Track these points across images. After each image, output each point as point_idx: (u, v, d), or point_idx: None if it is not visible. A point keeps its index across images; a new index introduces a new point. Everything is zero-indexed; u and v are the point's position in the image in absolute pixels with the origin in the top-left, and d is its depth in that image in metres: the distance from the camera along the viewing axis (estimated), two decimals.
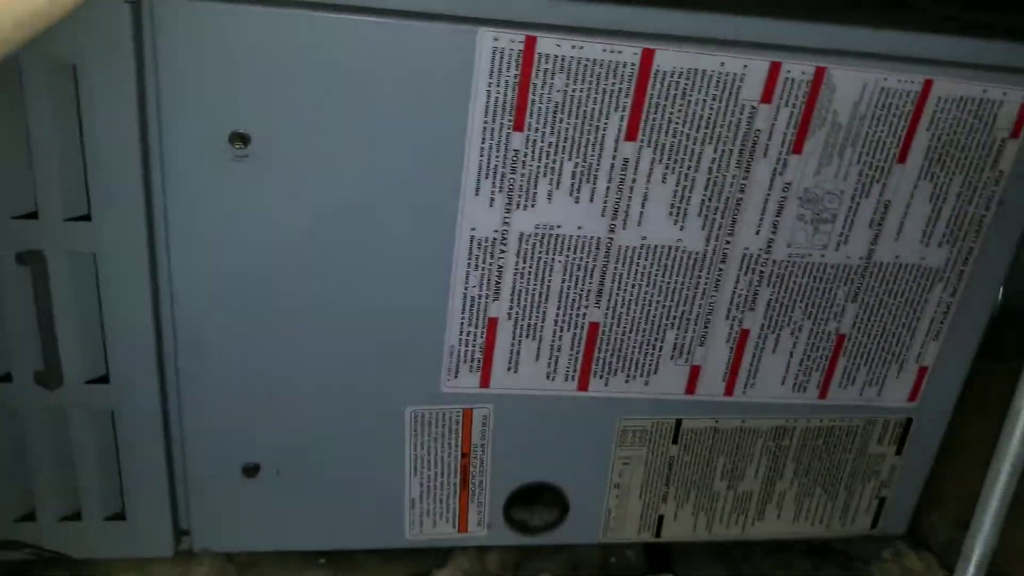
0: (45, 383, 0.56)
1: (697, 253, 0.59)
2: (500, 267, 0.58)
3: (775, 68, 0.54)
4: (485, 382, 0.62)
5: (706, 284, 0.60)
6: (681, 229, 0.58)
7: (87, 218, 0.53)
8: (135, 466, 0.60)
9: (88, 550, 0.62)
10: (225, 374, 0.59)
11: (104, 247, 0.54)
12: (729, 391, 0.65)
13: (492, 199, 0.55)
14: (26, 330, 0.55)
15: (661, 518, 0.69)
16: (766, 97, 0.55)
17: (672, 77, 0.53)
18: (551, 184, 0.55)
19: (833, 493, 0.72)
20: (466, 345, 0.60)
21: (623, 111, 0.53)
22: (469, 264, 0.57)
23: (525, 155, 0.54)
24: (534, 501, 0.67)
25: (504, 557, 0.70)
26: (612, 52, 0.52)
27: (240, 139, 0.51)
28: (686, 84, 0.53)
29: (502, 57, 0.51)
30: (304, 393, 0.60)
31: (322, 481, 0.63)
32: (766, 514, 0.71)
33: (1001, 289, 0.65)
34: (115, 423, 0.59)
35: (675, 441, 0.67)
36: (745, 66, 0.53)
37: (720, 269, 0.60)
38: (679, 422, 0.66)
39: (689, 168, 0.56)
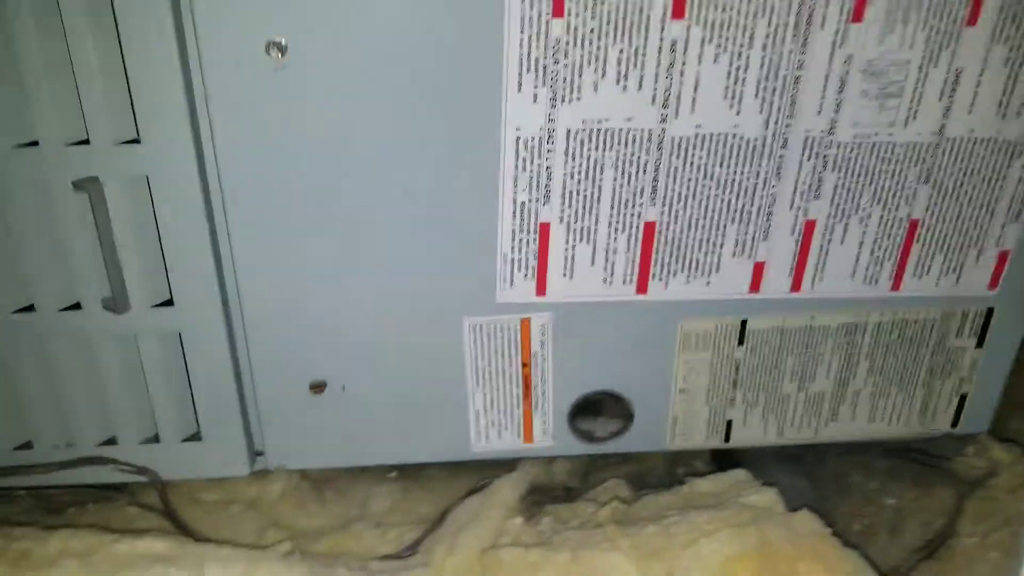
0: (113, 308, 0.57)
1: (755, 139, 0.55)
2: (548, 168, 0.55)
3: None
4: (541, 290, 0.60)
5: (767, 173, 0.57)
6: (737, 114, 0.54)
7: (137, 141, 0.53)
8: (206, 388, 0.61)
9: (169, 471, 0.64)
10: (285, 291, 0.58)
11: (156, 169, 0.53)
12: (796, 287, 0.62)
13: (535, 95, 0.52)
14: (90, 257, 0.56)
15: (730, 423, 0.67)
16: None
17: None
18: (596, 73, 0.52)
19: (910, 392, 0.68)
20: (519, 252, 0.58)
21: None
22: (516, 167, 0.55)
23: (567, 43, 0.51)
24: (598, 410, 0.66)
25: (571, 467, 0.69)
26: None
27: (277, 48, 0.50)
28: None
29: None
30: (363, 307, 0.59)
31: (388, 396, 0.63)
32: (839, 415, 0.68)
33: None
34: (183, 345, 0.59)
35: (741, 343, 0.64)
36: None
37: (781, 155, 0.56)
38: (744, 323, 0.63)
39: (742, 46, 0.52)
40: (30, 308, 0.57)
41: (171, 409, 0.62)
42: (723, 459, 0.72)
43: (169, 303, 0.58)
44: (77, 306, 0.58)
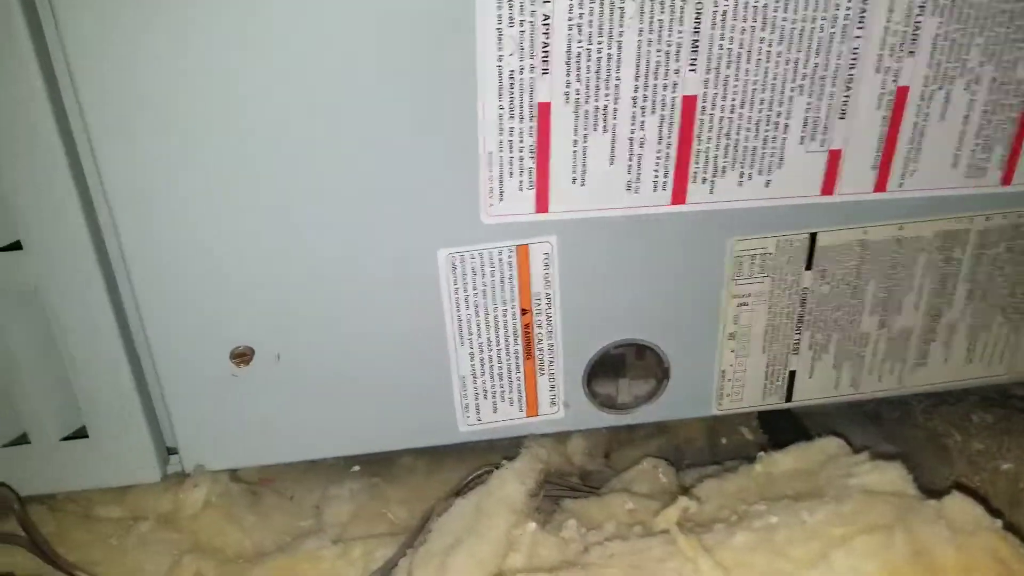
0: None
1: None
2: (546, 19, 0.38)
3: None
4: (542, 203, 0.42)
5: (847, 18, 0.40)
6: None
7: None
8: (85, 366, 0.42)
9: (49, 482, 0.45)
10: (183, 225, 0.40)
11: None
12: (881, 185, 0.45)
13: None
14: None
15: (792, 375, 0.50)
16: None
17: None
18: None
19: (1018, 321, 0.51)
20: (510, 149, 0.40)
21: None
22: (499, 15, 0.37)
23: None
24: (621, 369, 0.48)
25: (588, 444, 0.51)
26: None
27: None
28: None
29: None
30: (298, 242, 0.41)
31: (340, 365, 0.45)
32: (929, 358, 0.51)
33: None
34: (43, 304, 0.41)
35: (809, 266, 0.47)
36: None
37: None
38: (814, 238, 0.46)
39: None
40: None
41: (39, 397, 0.43)
42: (778, 424, 0.55)
43: (16, 247, 0.40)
44: None
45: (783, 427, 0.53)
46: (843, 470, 0.40)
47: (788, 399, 0.50)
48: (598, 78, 0.39)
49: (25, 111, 0.37)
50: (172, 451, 0.47)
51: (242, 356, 0.43)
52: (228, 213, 0.40)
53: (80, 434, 0.45)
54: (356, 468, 0.50)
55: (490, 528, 0.39)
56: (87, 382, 0.43)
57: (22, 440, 0.44)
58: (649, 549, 0.35)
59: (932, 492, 0.39)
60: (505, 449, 0.49)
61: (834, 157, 0.43)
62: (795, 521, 0.34)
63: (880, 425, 0.53)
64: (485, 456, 0.50)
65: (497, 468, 0.45)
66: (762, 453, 0.43)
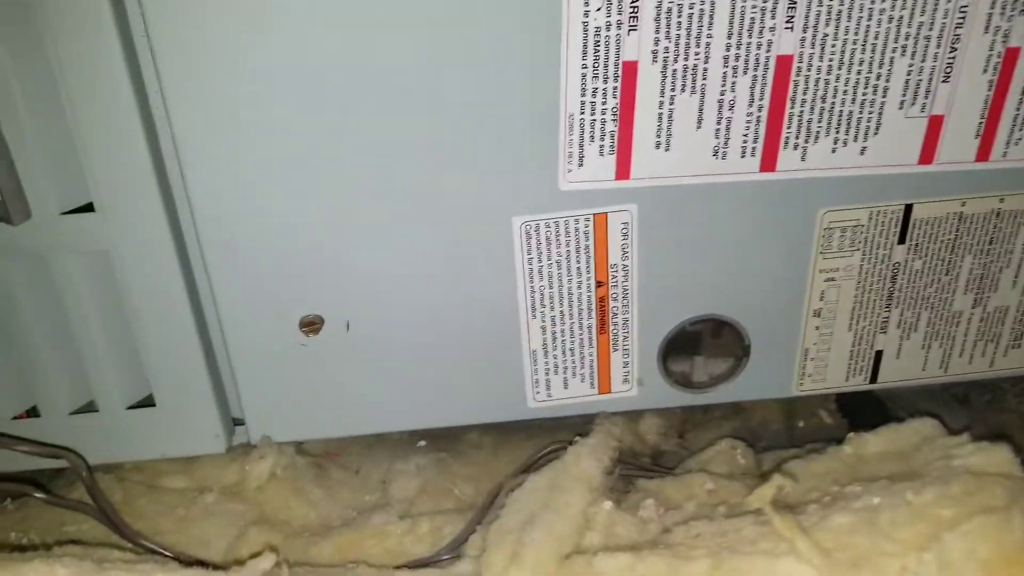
0: (6, 217, 0.38)
1: None
2: None
3: None
4: (623, 170, 0.40)
5: None
6: None
7: None
8: (155, 332, 0.42)
9: (115, 451, 0.44)
10: (256, 192, 0.39)
11: None
12: (983, 154, 0.42)
13: None
14: None
15: (879, 355, 0.47)
16: None
17: None
18: None
19: None
20: (593, 111, 0.38)
21: None
22: None
23: None
24: (697, 346, 0.46)
25: (662, 424, 0.49)
26: None
27: None
28: None
29: None
30: (370, 210, 0.40)
31: (409, 337, 0.43)
32: None
33: None
34: (114, 270, 0.40)
35: (902, 239, 0.44)
36: None
37: None
38: (908, 209, 0.43)
39: None
40: None
41: (109, 364, 0.42)
42: (857, 406, 0.53)
43: (88, 208, 0.39)
44: None
45: (864, 410, 0.51)
46: (941, 452, 0.38)
47: (873, 380, 0.48)
48: (688, 35, 0.37)
49: (102, 73, 0.36)
50: (238, 422, 0.46)
51: (311, 325, 0.42)
52: (300, 179, 0.39)
53: (147, 403, 0.44)
54: (422, 443, 0.48)
55: (567, 505, 0.37)
56: (155, 349, 0.42)
57: (90, 408, 0.44)
58: (739, 530, 0.33)
59: None
60: (573, 427, 0.47)
61: (935, 123, 0.40)
62: (899, 502, 0.31)
63: (969, 408, 0.50)
64: (553, 434, 0.48)
65: (567, 446, 0.44)
66: (851, 434, 0.41)
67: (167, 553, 0.37)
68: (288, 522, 0.42)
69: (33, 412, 0.44)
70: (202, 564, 0.36)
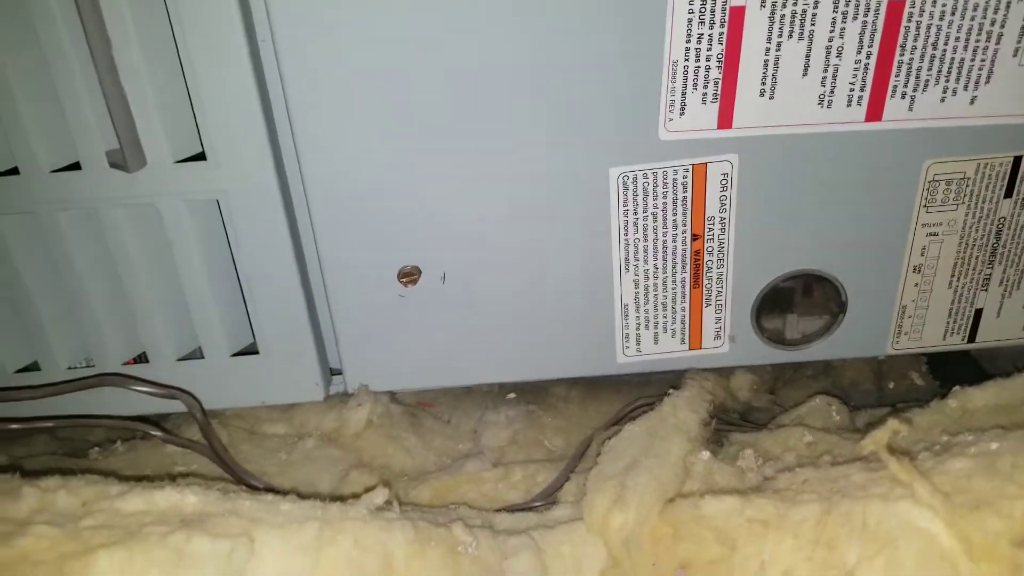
0: (122, 165, 0.39)
1: None
2: None
3: None
4: (726, 119, 0.39)
5: None
6: None
7: None
8: (260, 281, 0.42)
9: (219, 397, 0.46)
10: (362, 143, 0.39)
11: None
12: None
13: None
14: (88, 93, 0.38)
15: (978, 313, 0.46)
16: None
17: None
18: None
19: None
20: (696, 58, 0.38)
21: None
22: None
23: None
24: (789, 302, 0.45)
25: (753, 381, 0.49)
26: None
27: None
28: None
29: None
30: (468, 159, 0.40)
31: (502, 288, 0.43)
32: None
33: None
34: (223, 218, 0.41)
35: (1009, 193, 0.42)
36: None
37: None
38: (1017, 161, 0.41)
39: None
40: (13, 171, 0.40)
41: (216, 312, 0.43)
42: (947, 370, 0.51)
43: (200, 157, 0.40)
44: (76, 166, 0.40)
45: (958, 371, 0.49)
46: None
47: (971, 340, 0.46)
48: None
49: (219, 29, 0.36)
50: (335, 372, 0.47)
51: (409, 276, 0.42)
52: (403, 133, 0.39)
53: (250, 350, 0.45)
54: (512, 396, 0.49)
55: (667, 452, 0.37)
56: (259, 298, 0.43)
57: (195, 355, 0.45)
58: (848, 475, 0.33)
59: None
60: (661, 383, 0.47)
61: None
62: (1020, 447, 0.30)
63: None
64: (641, 389, 0.48)
65: (655, 401, 0.43)
66: (956, 387, 0.40)
67: (278, 490, 0.38)
68: (387, 467, 0.43)
69: (141, 359, 0.46)
70: None
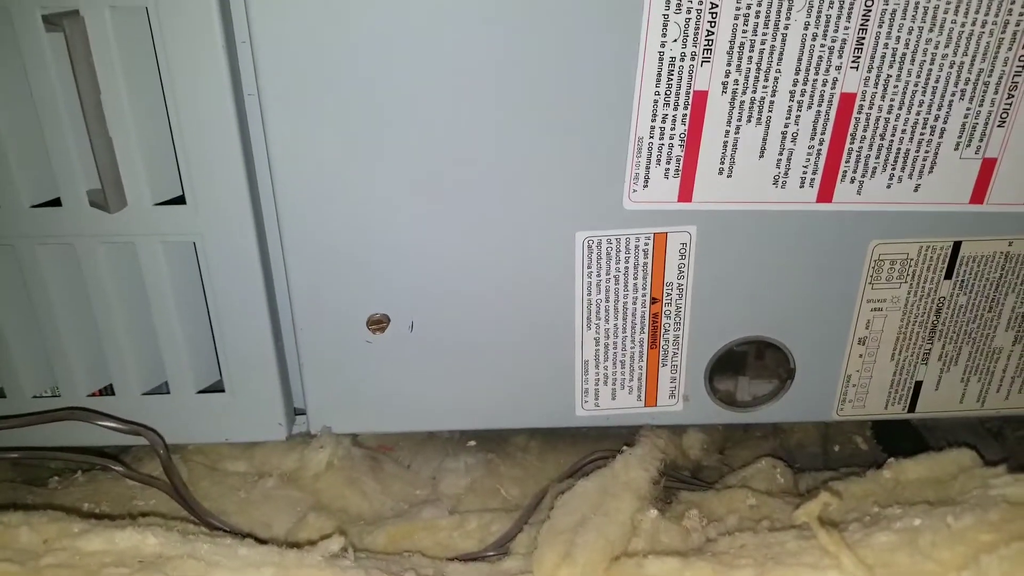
0: (103, 205, 0.40)
1: None
2: (714, 8, 0.37)
3: None
4: (686, 192, 0.42)
5: (1018, 24, 0.38)
6: None
7: None
8: (231, 321, 0.43)
9: (182, 432, 0.46)
10: (337, 193, 0.41)
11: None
12: None
13: None
14: (72, 132, 0.39)
15: (918, 386, 0.48)
16: None
17: None
18: None
19: None
20: (661, 136, 0.40)
21: None
22: (668, 3, 0.37)
23: None
24: (741, 366, 0.47)
25: (704, 440, 0.50)
26: None
27: None
28: None
29: None
30: (440, 216, 0.41)
31: (468, 340, 0.45)
32: None
33: None
34: (199, 260, 0.42)
35: (948, 275, 0.45)
36: None
37: None
38: (957, 246, 0.44)
39: None
40: None
41: (184, 349, 0.44)
42: (892, 434, 0.53)
43: (180, 200, 0.41)
44: (56, 202, 0.41)
45: (899, 439, 0.51)
46: (979, 481, 0.39)
47: (911, 410, 0.49)
48: (758, 69, 0.38)
49: (205, 77, 0.38)
50: (299, 412, 0.47)
51: (378, 324, 0.44)
52: (379, 186, 0.40)
53: (216, 388, 0.46)
54: (472, 443, 0.50)
55: (616, 510, 0.38)
56: (229, 338, 0.44)
57: (161, 390, 0.46)
58: (782, 543, 0.34)
59: None
60: (617, 437, 0.48)
61: (988, 165, 0.41)
62: (940, 525, 0.32)
63: (1003, 442, 0.51)
64: (597, 443, 0.50)
65: (611, 455, 0.45)
66: (891, 459, 0.42)
67: (237, 531, 0.39)
68: (344, 510, 0.44)
69: (107, 391, 0.46)
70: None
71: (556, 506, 0.40)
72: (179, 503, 0.40)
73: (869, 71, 0.39)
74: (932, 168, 0.41)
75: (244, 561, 0.30)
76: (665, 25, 0.37)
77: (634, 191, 0.41)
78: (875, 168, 0.41)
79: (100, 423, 0.40)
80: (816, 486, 0.45)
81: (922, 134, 0.40)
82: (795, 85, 0.39)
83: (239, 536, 0.34)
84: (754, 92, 0.39)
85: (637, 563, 0.35)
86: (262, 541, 0.39)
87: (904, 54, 0.38)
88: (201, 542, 0.31)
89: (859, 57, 0.38)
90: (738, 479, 0.45)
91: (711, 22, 0.37)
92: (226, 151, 0.39)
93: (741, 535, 0.36)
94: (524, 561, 0.39)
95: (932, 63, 0.39)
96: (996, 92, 0.39)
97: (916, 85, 0.39)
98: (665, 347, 0.46)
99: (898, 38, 0.38)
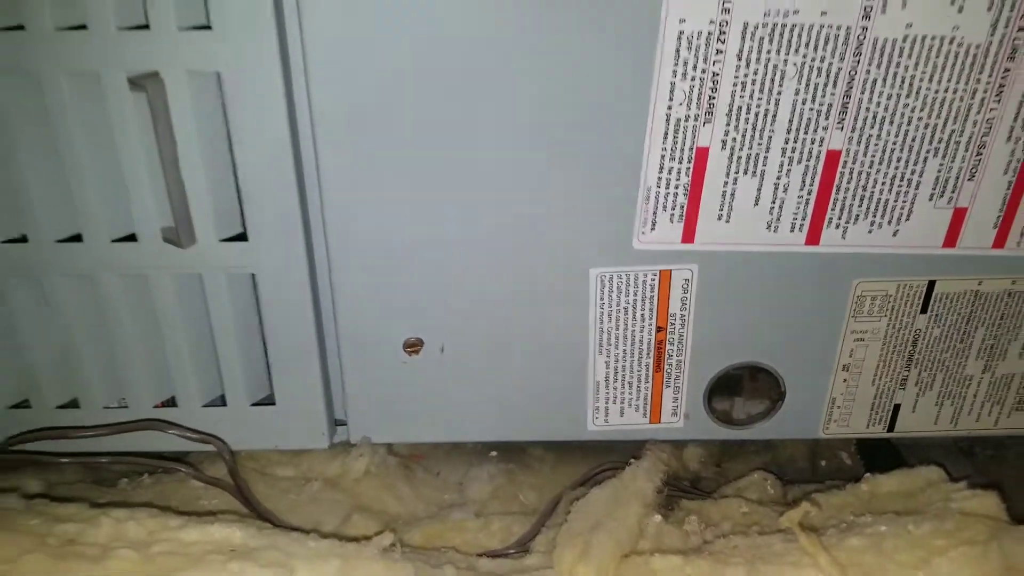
0: (175, 241, 0.45)
1: (978, 47, 0.41)
2: (715, 76, 0.42)
3: None
4: (689, 235, 0.47)
5: (985, 91, 0.43)
6: (960, 11, 0.41)
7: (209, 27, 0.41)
8: (283, 342, 0.48)
9: (236, 440, 0.51)
10: (380, 230, 0.46)
11: (231, 60, 0.41)
12: (1000, 242, 0.48)
13: None
14: (149, 179, 0.44)
15: (897, 408, 0.53)
16: None
17: None
18: None
19: None
20: (667, 186, 0.45)
21: None
22: (675, 71, 0.42)
23: None
24: (737, 388, 0.52)
25: (703, 454, 0.55)
26: None
27: None
28: None
29: None
30: (472, 251, 0.46)
31: (493, 361, 0.50)
32: None
33: None
34: (257, 290, 0.47)
35: (924, 310, 0.50)
36: None
37: (1006, 70, 0.42)
38: (931, 285, 0.49)
39: None
40: (77, 238, 0.46)
41: (240, 366, 0.49)
42: (875, 451, 0.58)
43: (242, 237, 0.46)
44: (132, 238, 0.46)
45: (880, 455, 0.56)
46: (942, 495, 0.44)
47: (890, 430, 0.53)
48: (754, 129, 0.43)
49: (268, 131, 0.43)
50: (340, 423, 0.53)
51: (414, 347, 0.49)
52: (418, 230, 0.46)
53: (267, 401, 0.51)
54: (494, 454, 0.55)
55: (626, 515, 0.43)
56: (281, 358, 0.49)
57: (218, 402, 0.51)
58: (770, 545, 0.39)
59: (1021, 521, 0.42)
60: (624, 451, 0.53)
61: (959, 214, 0.46)
62: (902, 531, 0.37)
63: (973, 460, 0.56)
64: (606, 455, 0.55)
65: (619, 466, 0.50)
66: (868, 474, 0.47)
67: (297, 528, 0.44)
68: (383, 511, 0.49)
69: (170, 402, 0.51)
70: None
71: (572, 511, 0.45)
72: (242, 503, 0.46)
73: (853, 131, 0.44)
74: (909, 216, 0.46)
75: (314, 552, 0.36)
76: (672, 90, 0.42)
77: (643, 233, 0.46)
78: (858, 215, 0.46)
79: (174, 432, 0.46)
80: (802, 497, 0.50)
81: (900, 186, 0.45)
82: (786, 143, 0.44)
83: (303, 532, 0.39)
84: (750, 149, 0.44)
85: (644, 560, 0.40)
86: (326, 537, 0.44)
87: (884, 116, 0.43)
88: (278, 535, 0.36)
89: (844, 119, 0.43)
90: (733, 489, 0.50)
91: (713, 88, 0.42)
92: (284, 196, 0.44)
93: (734, 538, 0.41)
94: (544, 558, 0.44)
95: (909, 124, 0.44)
96: (967, 150, 0.44)
97: (895, 143, 0.44)
98: (669, 370, 0.51)
99: (879, 103, 0.43)
